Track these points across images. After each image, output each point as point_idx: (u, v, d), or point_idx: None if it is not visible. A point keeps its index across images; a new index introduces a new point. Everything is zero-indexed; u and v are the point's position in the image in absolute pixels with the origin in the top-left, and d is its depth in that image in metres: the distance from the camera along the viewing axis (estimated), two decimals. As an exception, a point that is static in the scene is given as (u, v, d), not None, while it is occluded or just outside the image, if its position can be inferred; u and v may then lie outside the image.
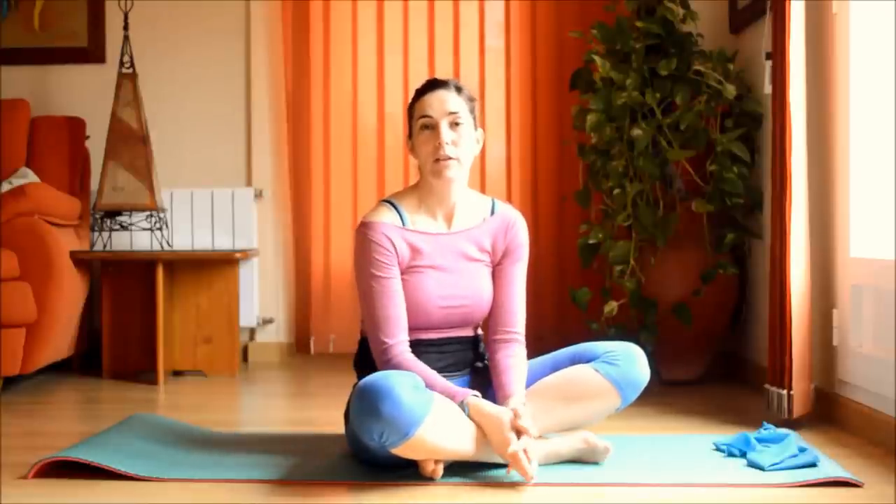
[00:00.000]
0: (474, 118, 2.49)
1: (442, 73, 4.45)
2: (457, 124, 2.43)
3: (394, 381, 2.18)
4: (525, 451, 2.24)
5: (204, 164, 4.52)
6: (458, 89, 2.46)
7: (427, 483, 2.27)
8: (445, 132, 2.42)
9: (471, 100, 2.48)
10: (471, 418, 2.30)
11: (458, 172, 2.45)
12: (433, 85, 2.47)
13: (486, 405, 2.30)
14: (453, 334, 2.50)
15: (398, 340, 2.39)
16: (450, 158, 2.42)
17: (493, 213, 2.55)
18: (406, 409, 2.15)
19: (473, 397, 2.32)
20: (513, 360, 2.45)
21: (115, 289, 4.04)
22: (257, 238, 4.47)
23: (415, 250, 2.44)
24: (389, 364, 2.37)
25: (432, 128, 2.43)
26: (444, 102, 2.43)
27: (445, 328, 2.48)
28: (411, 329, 2.44)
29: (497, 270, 2.54)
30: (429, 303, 2.43)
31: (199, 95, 4.53)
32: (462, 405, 2.30)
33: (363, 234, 2.43)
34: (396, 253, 2.42)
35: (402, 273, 2.43)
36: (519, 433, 2.26)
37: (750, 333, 3.81)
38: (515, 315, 2.52)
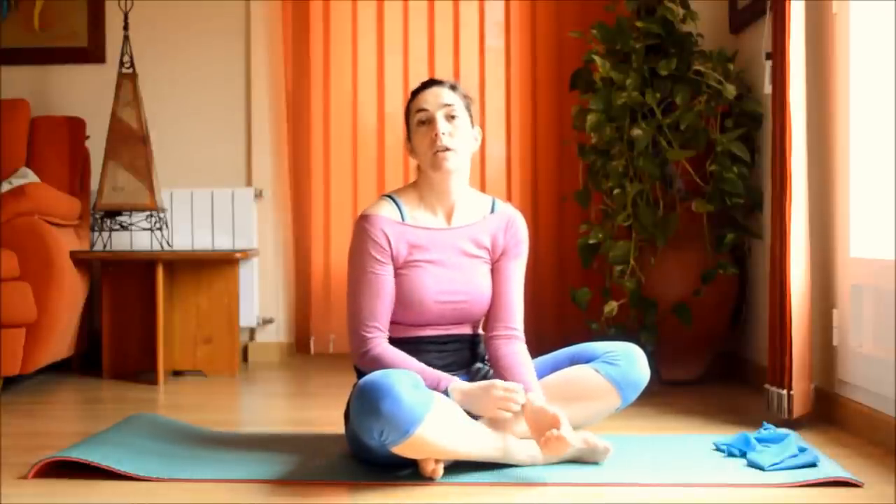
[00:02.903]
0: (471, 116, 2.51)
1: (442, 73, 4.45)
2: (452, 117, 2.45)
3: (394, 380, 2.18)
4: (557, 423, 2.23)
5: (204, 164, 4.52)
6: (454, 87, 2.50)
7: (427, 483, 2.27)
8: (442, 123, 2.44)
9: (466, 97, 2.51)
10: (459, 403, 2.30)
11: (457, 164, 2.46)
12: (429, 82, 2.52)
13: (468, 385, 2.31)
14: (452, 332, 2.50)
15: (377, 335, 2.41)
16: (448, 150, 2.43)
17: (493, 210, 2.56)
18: (406, 408, 2.15)
19: (455, 383, 2.32)
20: (520, 356, 2.46)
21: (115, 289, 4.04)
22: (257, 238, 4.48)
23: (413, 245, 2.45)
24: (367, 356, 2.39)
25: (429, 122, 2.45)
26: (438, 96, 2.47)
27: (444, 324, 2.48)
28: (409, 326, 2.45)
29: (496, 268, 2.54)
30: (426, 297, 2.44)
31: (199, 95, 4.53)
32: (447, 393, 2.31)
33: (361, 226, 2.45)
34: (391, 250, 2.43)
35: (400, 268, 2.44)
36: (551, 425, 2.24)
37: (750, 333, 3.81)
38: (514, 312, 2.52)
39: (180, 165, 4.49)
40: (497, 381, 2.30)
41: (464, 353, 2.53)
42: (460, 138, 2.46)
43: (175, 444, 2.65)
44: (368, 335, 2.41)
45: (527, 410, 2.29)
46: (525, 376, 2.41)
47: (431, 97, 2.47)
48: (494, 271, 2.54)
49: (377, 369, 2.32)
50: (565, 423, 2.24)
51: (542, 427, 2.24)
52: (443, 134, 2.43)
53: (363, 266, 2.43)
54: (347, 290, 2.47)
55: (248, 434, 2.87)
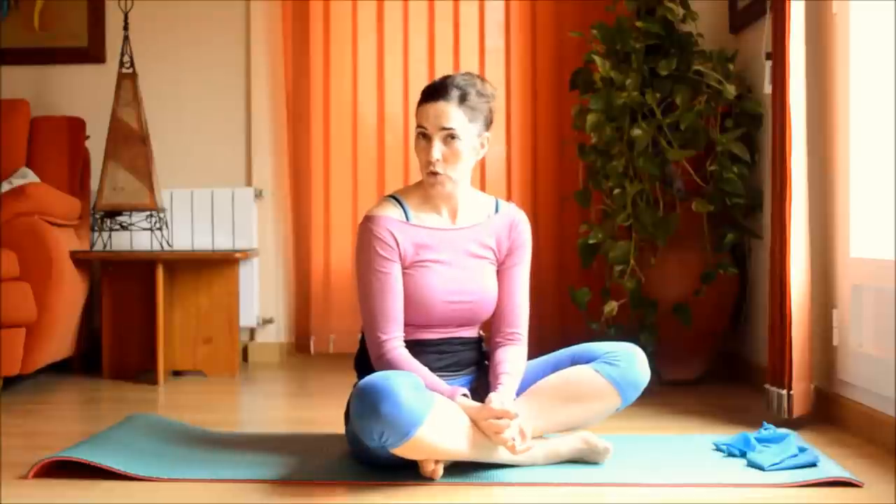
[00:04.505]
0: (484, 120, 2.44)
1: (442, 73, 4.44)
2: (451, 139, 2.40)
3: (394, 382, 2.18)
4: (521, 430, 2.28)
5: (204, 164, 4.52)
6: (463, 98, 2.40)
7: (427, 483, 2.27)
8: (437, 148, 2.40)
9: (475, 108, 2.41)
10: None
11: (450, 188, 2.44)
12: (435, 93, 2.42)
13: (471, 404, 2.31)
14: (455, 335, 2.49)
15: (392, 336, 2.39)
16: (439, 175, 2.41)
17: (496, 211, 2.55)
18: (406, 410, 2.15)
19: (462, 397, 2.33)
20: (508, 355, 2.46)
21: (115, 289, 4.04)
22: (257, 238, 4.47)
23: (419, 245, 2.44)
24: (383, 359, 2.38)
25: (427, 139, 2.43)
26: (440, 117, 2.39)
27: (448, 326, 2.47)
28: (413, 327, 2.44)
29: (501, 270, 2.53)
30: (434, 297, 2.43)
31: (199, 95, 4.53)
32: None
33: (366, 227, 2.44)
34: (399, 248, 2.42)
35: (407, 268, 2.43)
36: (501, 417, 2.26)
37: (750, 333, 3.81)
38: (519, 315, 2.52)
39: (180, 165, 4.49)
40: (489, 406, 2.29)
41: (464, 354, 2.52)
42: (456, 162, 2.41)
43: (175, 444, 2.65)
44: (384, 337, 2.39)
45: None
46: (499, 376, 2.41)
47: (433, 116, 2.39)
48: (500, 274, 2.53)
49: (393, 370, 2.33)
50: (515, 425, 2.27)
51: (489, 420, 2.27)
52: (436, 160, 2.40)
53: (371, 266, 2.41)
54: (358, 293, 2.45)
55: (248, 434, 2.87)
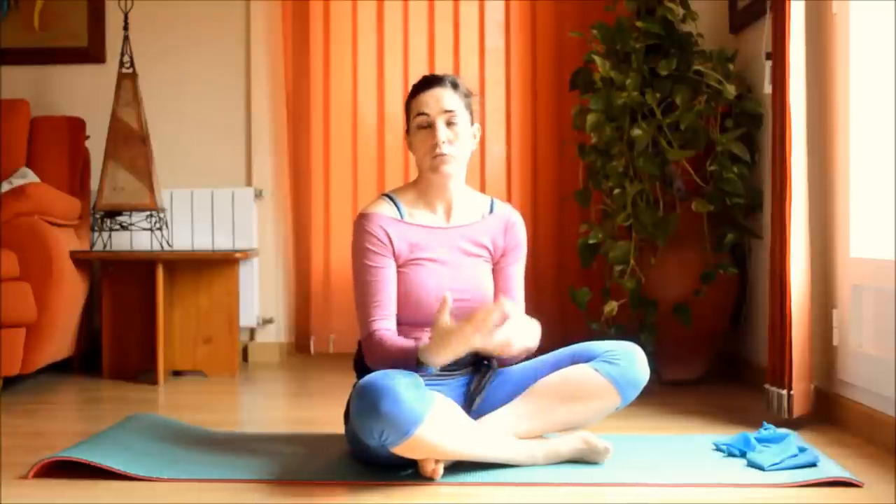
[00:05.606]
0: (471, 113, 2.50)
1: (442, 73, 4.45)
2: (452, 122, 2.44)
3: (394, 380, 2.18)
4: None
5: (204, 164, 4.52)
6: (455, 85, 2.48)
7: (427, 483, 2.27)
8: (442, 131, 2.43)
9: (467, 95, 2.50)
10: (438, 351, 2.28)
11: (455, 168, 2.47)
12: (429, 82, 2.48)
13: (444, 330, 2.27)
14: (454, 333, 2.49)
15: (381, 323, 2.40)
16: (447, 156, 2.44)
17: (491, 211, 2.56)
18: (406, 408, 2.15)
19: (424, 343, 2.30)
20: None
21: (115, 289, 4.04)
22: (257, 238, 4.48)
23: (413, 244, 2.46)
24: (370, 341, 2.39)
25: (429, 126, 2.44)
26: (439, 100, 2.44)
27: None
28: (411, 326, 2.44)
29: (496, 270, 2.55)
30: (430, 295, 2.43)
31: (199, 95, 4.53)
32: (420, 360, 2.29)
33: (360, 225, 2.46)
34: (392, 246, 2.43)
35: (402, 266, 2.45)
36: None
37: (750, 333, 3.81)
38: None
39: (180, 165, 4.49)
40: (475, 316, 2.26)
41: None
42: (460, 144, 2.46)
43: (175, 444, 2.65)
44: (373, 328, 2.40)
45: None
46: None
47: (433, 101, 2.45)
48: (496, 273, 2.54)
49: (380, 356, 2.34)
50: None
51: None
52: (443, 142, 2.43)
53: (364, 262, 2.43)
54: (353, 288, 2.47)
55: (248, 434, 2.87)
